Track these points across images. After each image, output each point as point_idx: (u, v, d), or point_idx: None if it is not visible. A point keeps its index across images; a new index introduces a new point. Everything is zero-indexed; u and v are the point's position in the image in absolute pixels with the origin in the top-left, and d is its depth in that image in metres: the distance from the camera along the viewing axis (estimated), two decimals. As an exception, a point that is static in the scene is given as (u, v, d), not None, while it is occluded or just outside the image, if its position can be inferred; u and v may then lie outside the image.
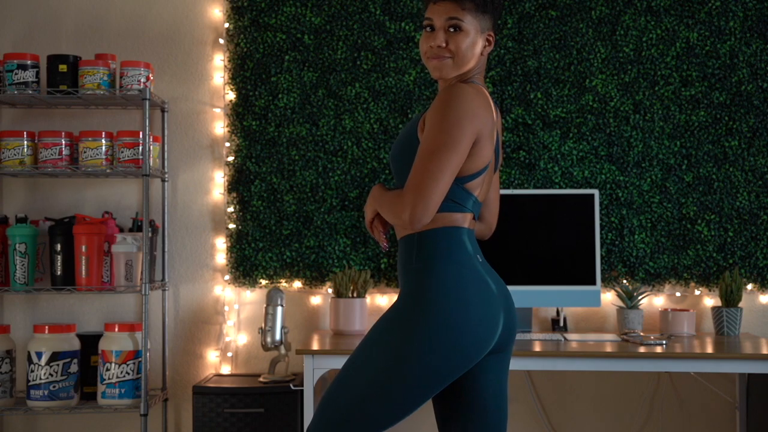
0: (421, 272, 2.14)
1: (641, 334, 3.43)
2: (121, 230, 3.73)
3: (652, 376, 3.75)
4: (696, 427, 3.75)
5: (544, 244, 3.55)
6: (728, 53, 3.73)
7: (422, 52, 2.23)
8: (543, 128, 3.74)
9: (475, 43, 2.20)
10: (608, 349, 3.17)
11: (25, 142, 3.57)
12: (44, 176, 3.77)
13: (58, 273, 3.57)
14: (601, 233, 3.70)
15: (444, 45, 2.18)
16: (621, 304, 3.74)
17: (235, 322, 3.81)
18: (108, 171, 3.56)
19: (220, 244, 3.82)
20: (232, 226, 3.78)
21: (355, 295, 3.61)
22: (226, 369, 3.80)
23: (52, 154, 3.55)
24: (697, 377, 3.72)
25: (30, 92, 3.55)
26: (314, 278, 3.77)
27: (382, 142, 3.76)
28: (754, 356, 3.08)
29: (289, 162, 3.77)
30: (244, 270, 3.77)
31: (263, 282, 3.78)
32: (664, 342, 3.25)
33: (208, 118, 3.85)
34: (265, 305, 3.56)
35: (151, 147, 3.60)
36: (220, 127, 3.83)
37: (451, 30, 2.18)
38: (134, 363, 3.49)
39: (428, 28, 2.21)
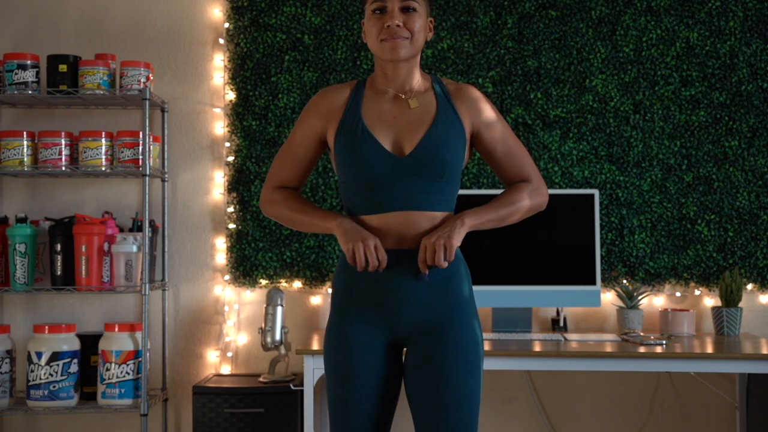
0: (466, 276, 2.26)
1: (641, 334, 3.43)
2: (121, 230, 3.73)
3: (652, 376, 3.75)
4: (696, 427, 3.75)
5: (544, 244, 3.55)
6: (728, 53, 3.73)
7: (372, 34, 2.18)
8: (543, 128, 3.74)
9: (423, 26, 2.20)
10: (608, 349, 3.17)
11: (25, 142, 3.57)
12: (44, 176, 3.77)
13: (58, 273, 3.57)
14: (601, 233, 3.70)
15: (402, 24, 2.15)
16: (621, 304, 3.74)
17: (235, 322, 3.81)
18: (108, 171, 3.56)
19: (220, 244, 3.81)
20: (232, 226, 3.78)
21: (355, 295, 3.60)
22: (226, 369, 3.80)
23: (52, 154, 3.55)
24: (697, 377, 3.72)
25: (30, 92, 3.55)
26: (314, 278, 3.77)
27: (382, 142, 3.76)
28: (754, 356, 3.08)
29: (289, 162, 3.77)
30: (244, 270, 3.77)
31: (263, 282, 3.77)
32: (664, 342, 3.25)
33: (208, 118, 3.85)
34: (265, 305, 3.56)
35: (151, 147, 3.60)
36: (220, 127, 3.83)
37: (406, 11, 2.16)
38: (134, 363, 3.49)
39: (378, 11, 2.17)
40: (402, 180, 2.15)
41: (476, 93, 2.25)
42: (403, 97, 2.22)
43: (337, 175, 2.27)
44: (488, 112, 2.25)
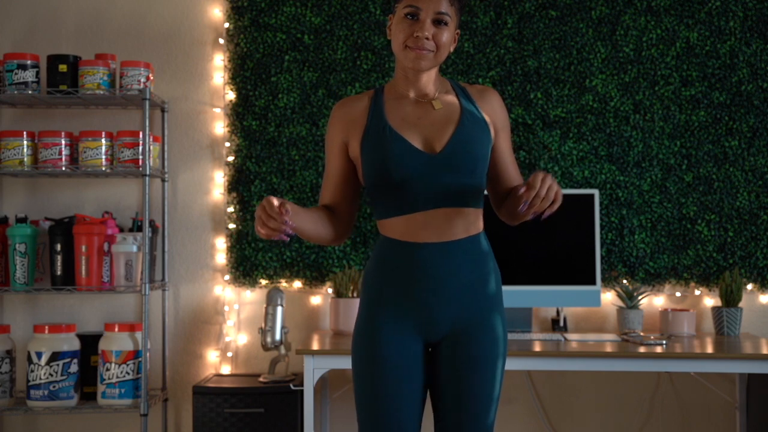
0: (495, 272, 2.27)
1: (641, 334, 3.43)
2: (121, 230, 3.73)
3: (652, 376, 3.75)
4: (696, 427, 3.75)
5: (544, 244, 3.55)
6: (728, 53, 3.73)
7: (398, 38, 2.15)
8: (543, 128, 3.74)
9: (451, 39, 2.18)
10: (608, 349, 3.17)
11: (25, 142, 3.57)
12: (44, 176, 3.77)
13: (58, 273, 3.57)
14: (601, 233, 3.70)
15: (431, 37, 2.13)
16: (621, 304, 3.74)
17: (235, 322, 3.81)
18: (108, 171, 3.56)
19: (220, 244, 3.81)
20: (232, 226, 3.78)
21: (355, 295, 3.61)
22: (226, 369, 3.80)
23: (52, 154, 3.55)
24: (697, 377, 3.72)
25: (30, 92, 3.55)
26: (314, 278, 3.77)
27: (382, 142, 3.76)
28: (754, 356, 3.08)
29: (289, 162, 3.77)
30: (244, 270, 3.77)
31: (263, 282, 3.77)
32: (664, 342, 3.25)
33: (208, 118, 3.85)
34: (265, 305, 3.56)
35: (151, 147, 3.60)
36: (220, 127, 3.83)
37: (438, 23, 2.14)
38: (134, 363, 3.49)
39: (410, 16, 2.14)
40: (435, 177, 2.15)
41: (499, 97, 2.29)
42: (424, 100, 2.22)
43: (365, 185, 2.22)
44: (506, 117, 2.29)
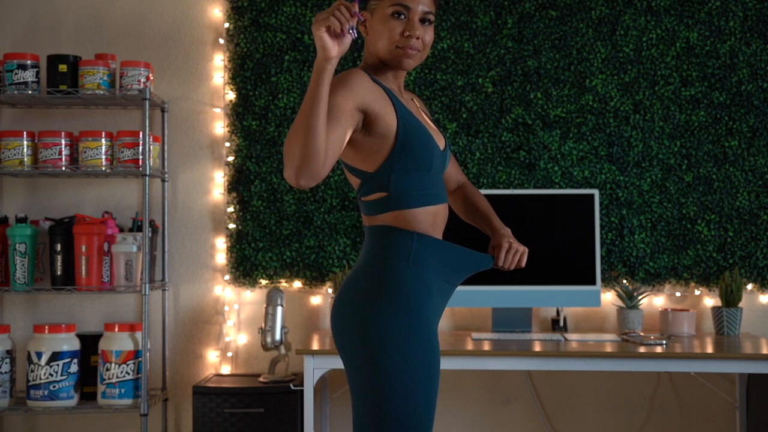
0: None
1: (641, 334, 3.43)
2: (121, 230, 3.73)
3: (652, 376, 3.75)
4: (696, 427, 3.75)
5: (544, 244, 3.55)
6: (728, 53, 3.73)
7: (385, 36, 2.09)
8: (543, 128, 3.74)
9: (433, 37, 2.16)
10: (608, 349, 3.17)
11: (25, 142, 3.57)
12: (44, 176, 3.77)
13: (58, 273, 3.57)
14: (601, 233, 3.70)
15: (420, 37, 2.10)
16: (621, 304, 3.74)
17: (235, 322, 3.81)
18: (108, 171, 3.56)
19: (220, 244, 3.81)
20: (232, 226, 3.78)
21: (355, 295, 3.60)
22: (226, 369, 3.80)
23: (52, 154, 3.55)
24: (697, 377, 3.72)
25: (30, 92, 3.55)
26: (314, 278, 3.76)
27: (382, 142, 3.76)
28: (754, 356, 3.08)
29: (289, 162, 3.77)
30: (244, 270, 3.77)
31: (263, 282, 3.77)
32: (664, 342, 3.25)
33: (208, 118, 3.85)
34: (265, 305, 3.56)
35: (151, 147, 3.60)
36: (220, 127, 3.83)
37: (423, 22, 2.11)
38: (134, 363, 3.49)
39: (397, 15, 2.08)
40: (441, 173, 2.19)
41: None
42: (407, 97, 2.24)
43: (384, 165, 2.06)
44: None
